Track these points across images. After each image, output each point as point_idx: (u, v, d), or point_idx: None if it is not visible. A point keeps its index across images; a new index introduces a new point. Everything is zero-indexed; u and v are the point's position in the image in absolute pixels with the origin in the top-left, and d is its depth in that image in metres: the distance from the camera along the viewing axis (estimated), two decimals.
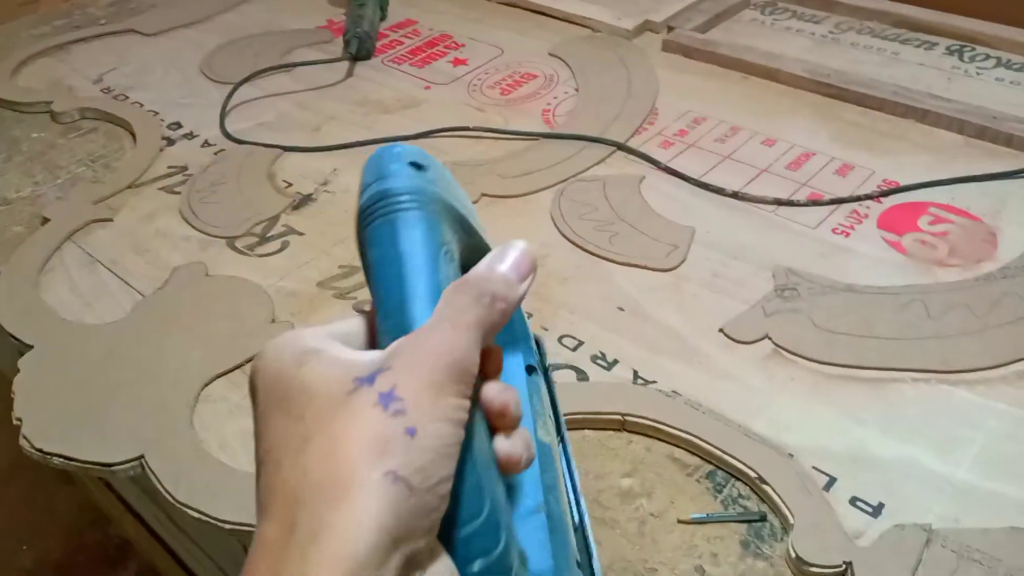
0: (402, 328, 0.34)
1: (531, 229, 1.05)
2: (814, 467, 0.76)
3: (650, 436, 0.82)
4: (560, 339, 0.91)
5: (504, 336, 0.42)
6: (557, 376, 0.87)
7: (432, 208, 0.37)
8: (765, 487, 0.75)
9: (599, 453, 0.81)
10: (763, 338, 0.89)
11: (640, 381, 0.85)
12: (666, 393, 0.83)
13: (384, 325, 0.36)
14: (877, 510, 0.72)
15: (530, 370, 0.47)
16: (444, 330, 0.33)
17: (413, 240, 0.36)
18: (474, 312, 0.34)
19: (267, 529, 0.29)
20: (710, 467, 0.79)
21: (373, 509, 0.28)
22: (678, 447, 0.80)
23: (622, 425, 0.82)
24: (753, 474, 0.76)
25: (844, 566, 0.68)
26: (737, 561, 0.71)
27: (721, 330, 0.90)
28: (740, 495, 0.76)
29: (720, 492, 0.77)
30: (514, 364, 0.46)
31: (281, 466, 0.30)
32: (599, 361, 0.88)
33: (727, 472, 0.78)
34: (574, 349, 0.90)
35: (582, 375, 0.87)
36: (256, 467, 0.32)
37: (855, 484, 0.74)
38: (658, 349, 0.89)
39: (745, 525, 0.74)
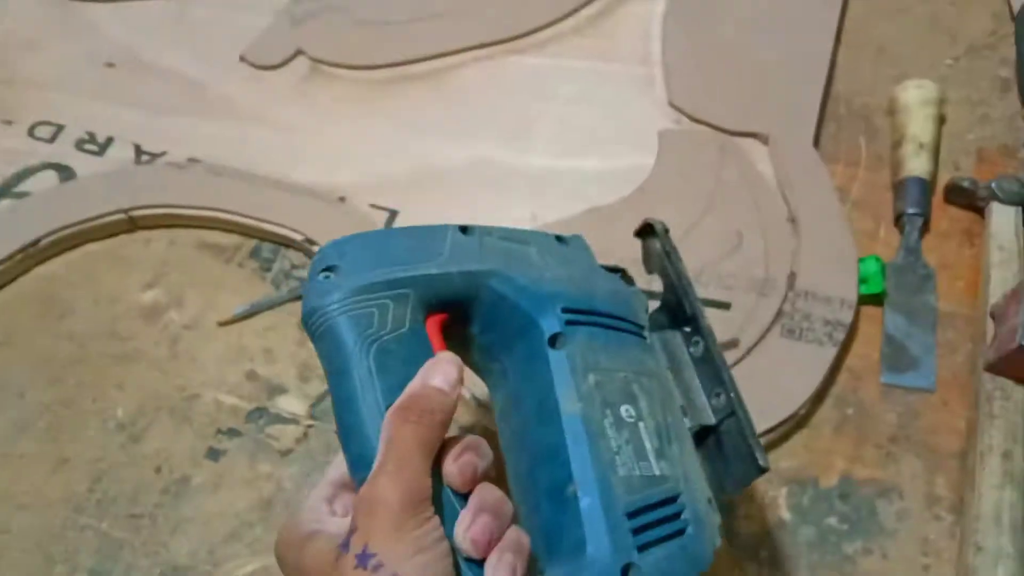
0: (356, 465, 0.36)
1: None
2: (372, 204, 0.61)
3: (171, 226, 0.63)
4: (32, 130, 0.67)
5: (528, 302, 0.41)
6: (32, 185, 0.64)
7: (346, 312, 0.37)
8: (316, 248, 0.60)
9: (110, 270, 0.61)
10: (295, 55, 0.69)
11: (145, 158, 0.65)
12: (179, 165, 0.64)
13: (348, 461, 0.37)
14: None
15: (555, 340, 0.40)
16: (390, 473, 0.34)
17: (337, 368, 0.37)
18: (415, 438, 0.35)
19: None
20: (253, 242, 0.62)
21: None
22: (209, 228, 0.63)
23: (132, 224, 0.63)
24: (300, 236, 0.60)
25: None
26: (296, 349, 0.57)
27: (242, 58, 0.69)
28: (294, 266, 0.61)
29: (269, 270, 0.61)
30: (531, 347, 0.40)
31: None
32: (87, 146, 0.65)
33: (274, 242, 0.62)
34: (51, 139, 0.66)
35: (66, 173, 0.64)
36: None
37: (420, 210, 0.61)
38: (165, 108, 0.67)
39: (301, 303, 0.59)
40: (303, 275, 0.60)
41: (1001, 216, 0.58)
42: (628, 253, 0.58)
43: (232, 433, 0.54)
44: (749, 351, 0.53)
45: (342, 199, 0.61)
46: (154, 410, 0.56)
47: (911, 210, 0.59)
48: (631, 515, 0.37)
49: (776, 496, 0.51)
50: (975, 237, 0.60)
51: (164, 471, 0.53)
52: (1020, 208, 0.58)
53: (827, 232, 0.58)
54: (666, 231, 0.47)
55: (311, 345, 0.57)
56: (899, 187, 0.60)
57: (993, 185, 0.59)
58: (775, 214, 0.59)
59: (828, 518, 0.50)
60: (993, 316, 0.54)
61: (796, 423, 0.53)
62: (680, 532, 0.38)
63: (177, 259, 0.62)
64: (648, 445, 0.39)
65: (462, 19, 0.70)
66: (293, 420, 0.55)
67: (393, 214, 0.61)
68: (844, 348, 0.55)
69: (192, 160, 0.64)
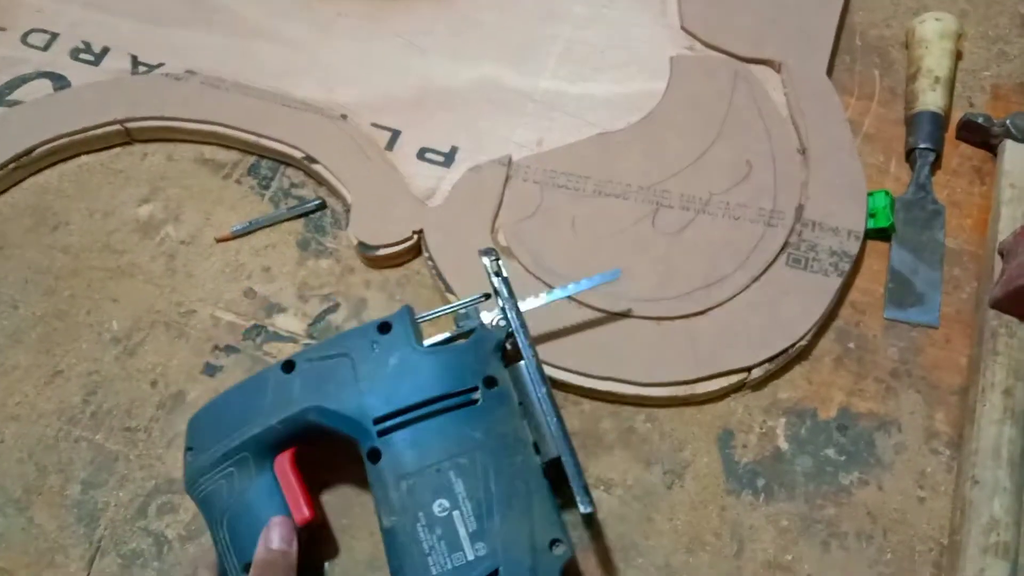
0: None
1: None
2: (374, 124, 0.60)
3: (169, 140, 0.61)
4: (25, 38, 0.64)
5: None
6: (24, 93, 0.62)
7: (205, 489, 0.46)
8: (317, 167, 0.58)
9: (104, 183, 0.60)
10: None
11: (142, 68, 0.63)
12: (177, 76, 0.62)
13: None
14: (450, 157, 0.59)
15: (373, 455, 0.45)
16: None
17: (210, 535, 0.46)
18: None
19: None
20: (251, 158, 0.61)
21: None
22: (207, 143, 0.61)
23: (128, 136, 0.61)
24: (300, 154, 0.59)
25: (415, 235, 0.55)
26: (296, 268, 0.57)
27: None
28: (293, 184, 0.60)
29: (268, 188, 0.60)
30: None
31: None
32: (83, 55, 0.63)
33: (273, 159, 0.61)
34: (45, 47, 0.64)
35: (61, 82, 0.62)
36: None
37: (423, 131, 0.60)
38: (163, 18, 0.65)
39: (301, 221, 0.58)
40: (303, 193, 0.59)
41: (1014, 153, 0.57)
42: (635, 180, 0.57)
43: (229, 350, 0.54)
44: (755, 279, 0.53)
45: (344, 117, 0.60)
46: (150, 325, 0.55)
47: (923, 144, 0.58)
48: None
49: (774, 426, 0.51)
50: (986, 176, 0.59)
51: (159, 385, 0.53)
52: None
53: (837, 164, 0.57)
54: (497, 259, 0.49)
55: (311, 264, 0.57)
56: (912, 121, 0.59)
57: (1008, 122, 0.58)
58: (786, 144, 0.58)
59: (826, 449, 0.51)
60: (1001, 253, 0.53)
61: (797, 355, 0.52)
62: None
63: (174, 174, 0.60)
64: (463, 532, 0.43)
65: None
66: (291, 338, 0.54)
67: (396, 134, 0.59)
68: (849, 282, 0.55)
69: (190, 72, 0.62)
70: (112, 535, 0.49)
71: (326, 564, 0.48)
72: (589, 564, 0.47)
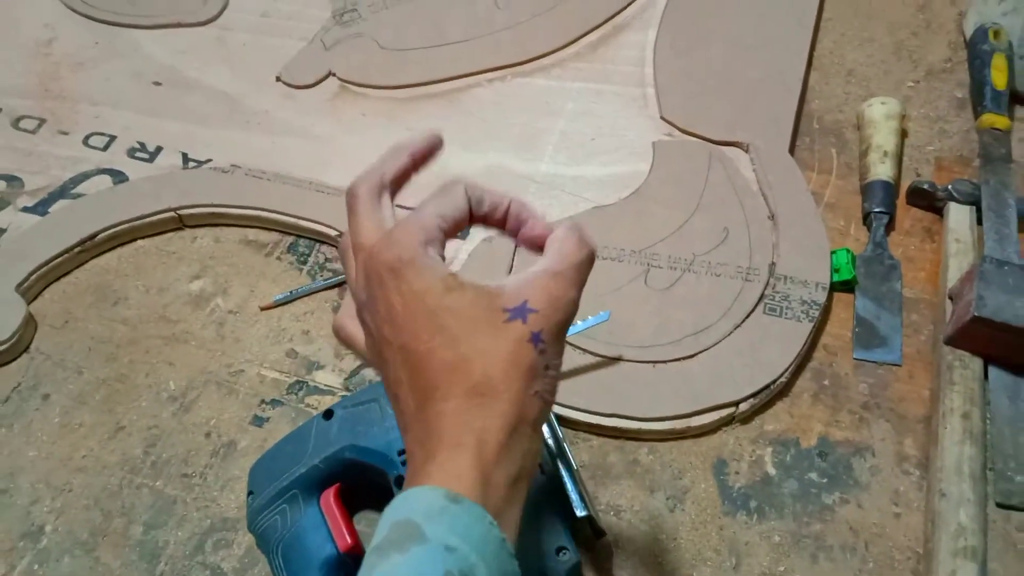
0: None
1: (29, 6, 0.82)
2: (398, 205, 0.68)
3: (215, 224, 0.69)
4: (86, 140, 0.73)
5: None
6: (87, 187, 0.71)
7: (263, 526, 0.52)
8: None
9: (159, 263, 0.68)
10: (327, 76, 0.77)
11: (192, 164, 0.71)
12: (223, 170, 0.70)
13: None
14: (465, 231, 0.67)
15: (399, 481, 0.51)
16: (569, 282, 0.37)
17: (269, 563, 0.52)
18: (579, 255, 0.39)
19: (450, 404, 0.35)
20: (290, 238, 0.69)
21: (529, 415, 0.36)
22: (250, 226, 0.69)
23: (179, 222, 0.69)
24: (334, 232, 0.67)
25: None
26: (331, 331, 0.64)
27: (278, 78, 0.77)
28: (327, 259, 0.68)
29: (305, 263, 0.68)
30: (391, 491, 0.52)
31: (433, 357, 0.35)
32: (139, 154, 0.72)
33: (309, 238, 0.69)
34: (105, 148, 0.73)
35: (119, 177, 0.71)
36: (389, 346, 0.37)
37: None
38: (208, 121, 0.74)
39: (335, 290, 0.66)
40: (336, 267, 0.67)
41: (958, 214, 0.66)
42: (628, 245, 0.65)
43: (274, 403, 0.60)
44: (737, 326, 0.60)
45: None
46: (202, 384, 0.61)
47: (877, 209, 0.66)
48: None
49: (762, 455, 0.57)
50: (935, 234, 0.67)
51: (213, 436, 0.59)
52: (973, 207, 0.66)
53: (803, 227, 0.65)
54: None
55: None
56: (867, 189, 0.68)
57: (950, 187, 0.66)
58: (757, 212, 0.66)
59: (809, 473, 0.57)
60: (951, 297, 0.61)
61: (779, 392, 0.59)
62: None
63: (221, 254, 0.68)
64: None
65: (475, 46, 0.78)
66: (329, 391, 0.61)
67: None
68: (820, 327, 0.62)
69: (234, 166, 0.70)
70: (172, 570, 0.54)
71: None
72: None
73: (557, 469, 0.50)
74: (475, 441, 0.34)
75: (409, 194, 0.68)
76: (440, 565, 0.31)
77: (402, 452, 0.51)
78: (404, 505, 0.33)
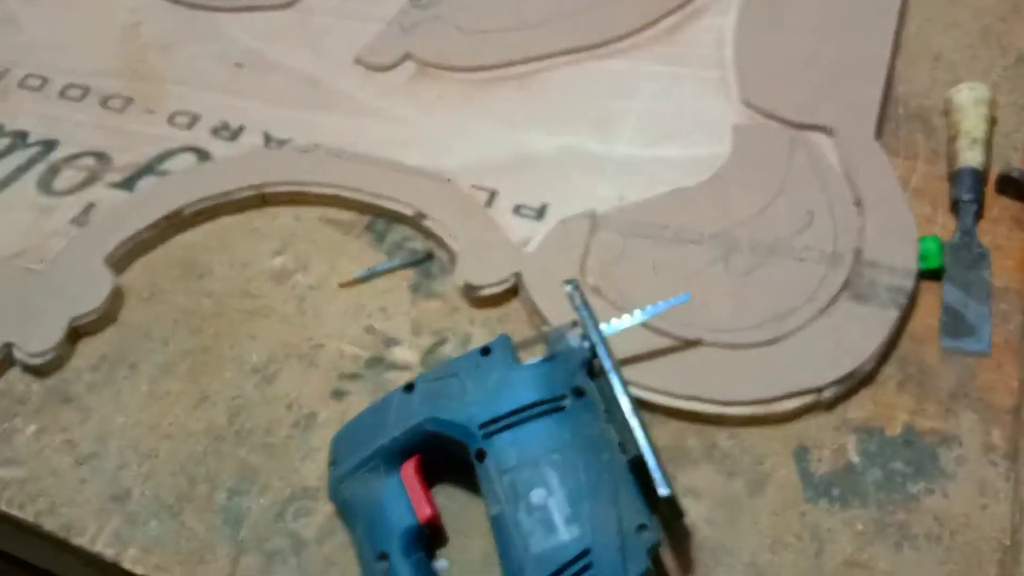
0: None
1: None
2: (474, 185, 0.69)
3: (296, 203, 0.71)
4: (171, 119, 0.75)
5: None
6: (172, 164, 0.73)
7: (345, 493, 0.54)
8: (427, 222, 0.67)
9: (242, 239, 0.69)
10: (404, 58, 0.77)
11: (274, 143, 0.73)
12: (304, 149, 0.72)
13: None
14: (541, 212, 0.67)
15: (480, 455, 0.51)
16: None
17: (350, 527, 0.54)
18: None
19: None
20: (367, 218, 0.70)
21: None
22: (330, 206, 0.70)
23: (262, 200, 0.70)
24: (412, 212, 0.68)
25: (512, 278, 0.63)
26: (409, 308, 0.64)
27: (357, 60, 0.78)
28: (404, 238, 0.68)
29: (383, 241, 0.68)
30: (470, 464, 0.52)
31: None
32: (221, 133, 0.74)
33: (386, 218, 0.69)
34: (189, 127, 0.75)
35: (203, 155, 0.72)
36: None
37: (517, 191, 0.68)
38: (289, 102, 0.75)
39: (413, 269, 0.66)
40: (414, 246, 0.68)
41: None
42: (708, 228, 0.64)
43: (354, 377, 0.61)
44: (822, 311, 0.59)
45: (448, 180, 0.69)
46: (284, 357, 0.63)
47: (966, 196, 0.65)
48: None
49: (846, 443, 0.56)
50: None
51: (294, 408, 0.60)
52: None
53: (890, 213, 0.64)
54: (577, 286, 0.56)
55: (422, 304, 0.65)
56: (955, 177, 0.66)
57: None
58: (842, 197, 0.65)
59: (893, 462, 0.56)
60: None
61: (863, 379, 0.58)
62: None
63: (302, 231, 0.69)
64: (557, 517, 0.48)
65: (551, 28, 0.78)
66: (407, 367, 0.61)
67: (493, 194, 0.68)
68: (906, 316, 0.61)
69: (315, 145, 0.72)
70: (255, 536, 0.55)
71: (446, 561, 0.53)
72: (681, 562, 0.52)
73: (638, 449, 0.50)
74: None
75: (484, 174, 0.69)
76: None
77: (483, 425, 0.51)
78: None
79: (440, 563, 0.53)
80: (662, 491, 0.48)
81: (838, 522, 0.54)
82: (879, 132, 0.70)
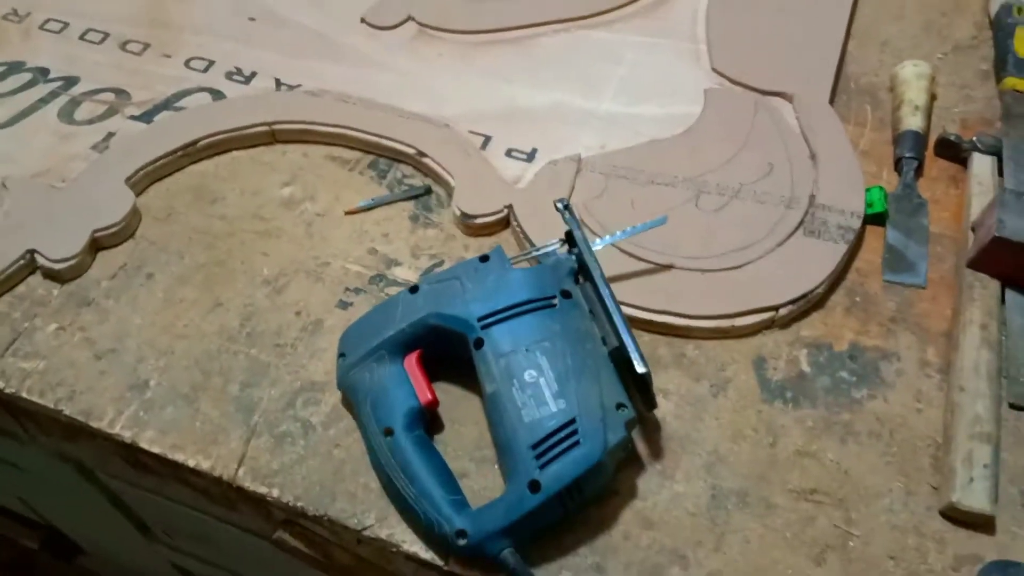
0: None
1: None
2: (471, 131, 0.75)
3: (304, 141, 0.76)
4: (187, 63, 0.81)
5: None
6: (188, 102, 0.78)
7: (353, 380, 0.59)
8: (426, 160, 0.73)
9: (253, 171, 0.75)
10: (407, 20, 0.84)
11: (284, 87, 0.79)
12: (313, 93, 0.78)
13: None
14: (531, 155, 0.74)
15: (478, 343, 0.58)
16: None
17: (356, 410, 0.59)
18: None
19: None
20: (371, 157, 0.76)
21: None
22: (335, 145, 0.76)
23: (272, 136, 0.76)
24: (413, 151, 0.74)
25: (505, 209, 0.70)
26: (409, 235, 0.70)
27: (363, 20, 0.84)
28: (404, 176, 0.75)
29: (384, 178, 0.74)
30: (469, 352, 0.58)
31: None
32: (235, 77, 0.79)
33: (388, 157, 0.75)
34: (205, 70, 0.80)
35: (217, 95, 0.78)
36: None
37: (509, 137, 0.75)
38: (299, 52, 0.81)
39: (412, 201, 0.72)
40: (413, 182, 0.74)
41: (981, 162, 0.72)
42: (681, 173, 0.72)
43: (358, 291, 0.67)
44: (780, 244, 0.66)
45: (446, 125, 0.75)
46: (293, 271, 0.68)
47: (908, 154, 0.73)
48: (534, 446, 0.53)
49: (798, 355, 0.63)
50: (960, 182, 0.74)
51: (302, 314, 0.65)
52: (995, 158, 0.72)
53: (841, 166, 0.71)
54: (566, 207, 0.63)
55: (421, 232, 0.70)
56: (898, 139, 0.75)
57: (975, 139, 0.73)
58: (799, 152, 0.73)
59: (840, 372, 0.63)
60: (973, 229, 0.67)
61: (814, 303, 0.65)
62: (575, 444, 0.53)
63: (309, 166, 0.75)
64: (547, 393, 0.55)
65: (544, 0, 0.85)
66: (406, 284, 0.67)
67: (488, 139, 0.75)
68: (853, 253, 0.68)
69: (323, 90, 0.78)
70: (266, 421, 0.60)
71: (441, 444, 0.59)
72: (653, 449, 0.59)
73: (619, 339, 0.56)
74: None
75: (479, 121, 0.76)
76: None
77: (481, 318, 0.57)
78: None
79: (437, 447, 0.59)
80: (640, 368, 0.54)
81: (791, 419, 0.60)
82: (832, 101, 0.78)
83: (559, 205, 0.62)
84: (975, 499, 0.55)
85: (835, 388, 0.62)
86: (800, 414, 0.61)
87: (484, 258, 0.61)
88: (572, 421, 0.53)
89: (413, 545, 0.55)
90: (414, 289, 0.61)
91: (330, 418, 0.60)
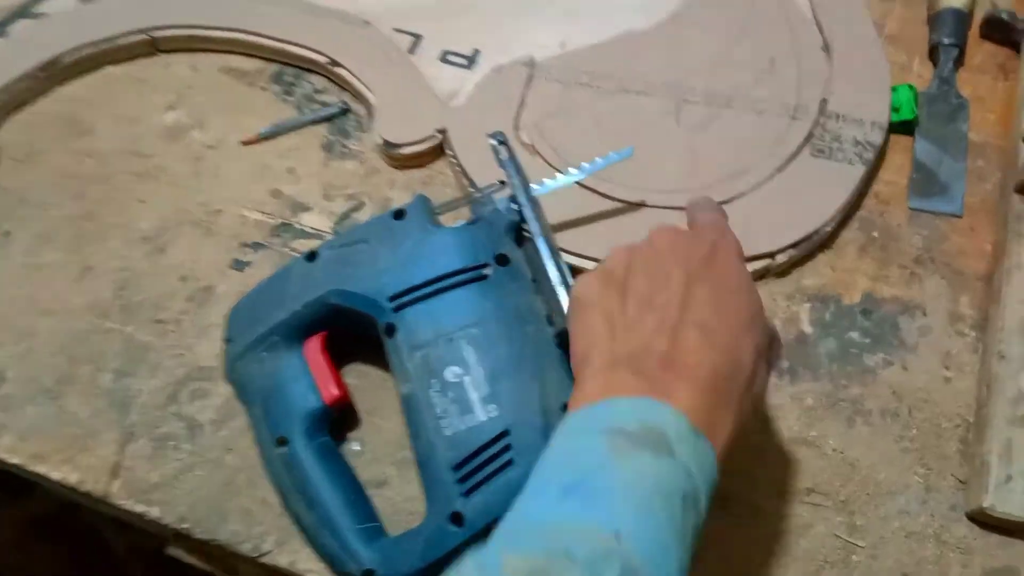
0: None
1: None
2: (396, 29, 0.60)
3: (193, 50, 0.62)
4: None
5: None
6: (49, 7, 0.63)
7: (241, 372, 0.48)
8: (340, 70, 0.59)
9: (130, 91, 0.61)
10: None
11: None
12: None
13: None
14: (472, 59, 0.59)
15: (389, 330, 0.46)
16: None
17: (247, 411, 0.49)
18: None
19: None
20: (275, 67, 0.61)
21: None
22: (232, 53, 0.62)
23: (152, 46, 0.61)
24: (324, 59, 0.59)
25: (438, 135, 0.56)
26: (321, 169, 0.57)
27: None
28: (316, 91, 0.60)
29: (291, 95, 0.60)
30: (379, 339, 0.47)
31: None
32: None
33: (295, 66, 0.61)
34: None
35: None
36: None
37: (445, 37, 0.60)
38: None
39: (325, 124, 0.59)
40: (326, 99, 0.60)
41: None
42: (659, 77, 0.57)
43: (257, 246, 0.55)
44: (779, 169, 0.53)
45: (366, 23, 0.60)
46: (177, 224, 0.56)
47: (947, 40, 0.58)
48: (457, 466, 0.42)
49: (798, 311, 0.51)
50: (1010, 72, 0.59)
51: (189, 280, 0.54)
52: None
53: (861, 59, 0.57)
54: (503, 141, 0.50)
55: (335, 165, 0.57)
56: (935, 19, 0.59)
57: None
58: (809, 42, 0.58)
59: (850, 332, 0.51)
60: None
61: (821, 243, 0.53)
62: (507, 464, 0.42)
63: (199, 82, 0.61)
64: (474, 396, 0.44)
65: None
66: (316, 235, 0.55)
67: (418, 38, 0.60)
68: (873, 174, 0.55)
69: None
70: (144, 420, 0.49)
71: (357, 445, 0.48)
72: None
73: (564, 323, 0.44)
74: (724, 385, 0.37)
75: (408, 16, 0.57)
76: (681, 484, 0.34)
77: (393, 297, 0.45)
78: (653, 412, 0.35)
79: (352, 447, 0.48)
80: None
81: (786, 397, 0.49)
82: None
83: (492, 142, 0.49)
84: (1013, 504, 0.44)
85: (843, 354, 0.50)
86: (798, 390, 0.49)
87: (399, 213, 0.48)
88: (504, 434, 0.42)
89: (321, 575, 0.45)
90: (312, 256, 0.48)
91: (221, 414, 0.49)
